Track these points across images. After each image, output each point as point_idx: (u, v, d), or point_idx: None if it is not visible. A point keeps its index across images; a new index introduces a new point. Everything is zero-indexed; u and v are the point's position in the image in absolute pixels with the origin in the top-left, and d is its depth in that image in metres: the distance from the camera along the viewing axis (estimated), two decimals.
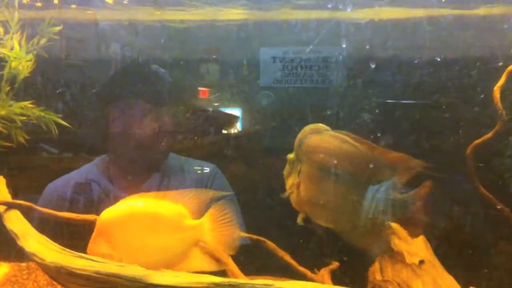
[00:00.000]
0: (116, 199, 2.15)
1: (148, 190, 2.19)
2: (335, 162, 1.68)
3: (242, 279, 1.37)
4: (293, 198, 1.76)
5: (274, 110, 2.68)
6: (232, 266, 1.53)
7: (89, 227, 1.53)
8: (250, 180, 2.53)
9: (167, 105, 2.26)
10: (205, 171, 2.32)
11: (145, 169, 2.23)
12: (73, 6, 2.25)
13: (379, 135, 2.30)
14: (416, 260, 1.61)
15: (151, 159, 2.24)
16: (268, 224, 2.20)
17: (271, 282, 1.31)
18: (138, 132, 2.17)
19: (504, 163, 2.13)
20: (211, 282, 1.31)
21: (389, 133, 2.30)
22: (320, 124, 1.76)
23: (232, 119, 2.63)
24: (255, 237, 1.66)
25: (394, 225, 1.67)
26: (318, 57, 2.51)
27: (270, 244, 1.65)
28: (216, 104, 2.73)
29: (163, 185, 2.21)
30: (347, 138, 1.70)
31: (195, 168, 2.32)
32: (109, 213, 1.52)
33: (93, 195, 2.17)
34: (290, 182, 1.77)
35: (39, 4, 2.11)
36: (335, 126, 2.47)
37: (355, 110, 2.50)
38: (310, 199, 1.72)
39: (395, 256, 1.64)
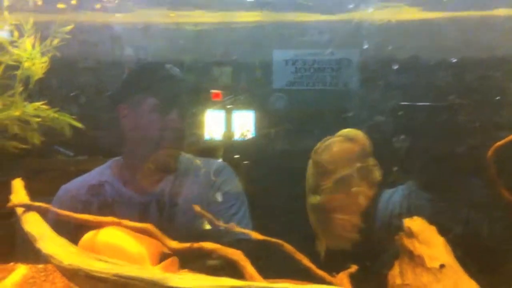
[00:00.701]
0: (129, 201, 2.16)
1: (161, 191, 2.18)
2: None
3: (262, 283, 1.34)
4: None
5: (287, 112, 2.66)
6: (251, 269, 1.50)
7: None
8: (267, 182, 2.50)
9: (179, 105, 2.24)
10: (213, 167, 2.31)
11: (158, 171, 2.22)
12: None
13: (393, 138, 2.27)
14: (436, 264, 1.58)
15: (163, 160, 2.23)
16: (286, 227, 2.17)
17: (291, 285, 1.28)
18: (150, 133, 2.17)
19: None
20: (231, 286, 1.28)
21: (403, 135, 2.27)
22: None
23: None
24: (273, 240, 1.63)
25: (414, 228, 1.64)
26: (331, 59, 2.49)
27: (288, 247, 1.62)
28: (229, 106, 2.71)
29: (175, 186, 2.20)
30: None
31: (204, 165, 2.30)
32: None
33: (106, 196, 2.16)
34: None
35: (56, 5, 2.11)
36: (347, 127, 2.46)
37: (368, 113, 2.47)
38: None
39: (415, 260, 1.61)
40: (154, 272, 1.32)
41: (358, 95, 2.49)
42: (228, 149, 2.61)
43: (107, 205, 2.14)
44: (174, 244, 1.55)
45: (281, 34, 2.63)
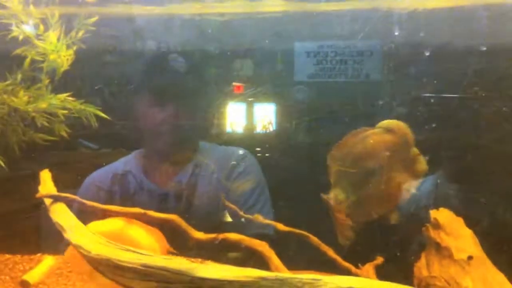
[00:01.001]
0: (149, 192, 2.16)
1: (179, 182, 2.18)
2: None
3: (289, 273, 1.33)
4: None
5: (308, 104, 2.63)
6: (276, 260, 1.50)
7: None
8: (289, 175, 2.48)
9: (194, 96, 2.23)
10: (234, 156, 2.30)
11: (176, 161, 2.22)
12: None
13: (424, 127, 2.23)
14: (464, 256, 1.55)
15: (181, 151, 2.23)
16: (311, 219, 2.16)
17: (319, 276, 1.27)
18: (150, 127, 2.16)
19: None
20: (258, 276, 1.27)
21: (425, 128, 2.23)
22: None
23: None
24: (298, 231, 1.62)
25: (441, 220, 1.61)
26: (353, 51, 2.46)
27: (314, 238, 1.61)
28: (250, 99, 2.70)
29: (193, 176, 2.20)
30: None
31: (225, 154, 2.30)
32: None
33: (129, 187, 2.17)
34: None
35: None
36: (369, 120, 2.43)
37: (390, 105, 2.43)
38: None
39: (442, 252, 1.58)
40: (180, 262, 1.32)
41: (380, 87, 2.45)
42: (249, 141, 2.60)
43: (129, 195, 2.15)
44: (200, 235, 1.55)
45: (306, 25, 2.60)
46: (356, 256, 1.70)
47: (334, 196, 1.78)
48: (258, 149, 2.56)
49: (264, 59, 2.66)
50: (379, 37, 2.36)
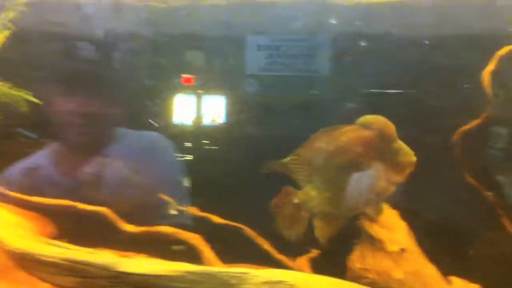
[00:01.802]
0: (58, 185, 2.06)
1: (86, 173, 2.08)
2: None
3: (218, 267, 1.28)
4: None
5: (258, 98, 2.59)
6: (209, 254, 1.45)
7: None
8: (237, 167, 2.43)
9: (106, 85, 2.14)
10: (147, 139, 2.22)
11: (87, 152, 2.13)
12: None
13: None
14: (397, 248, 1.54)
15: (92, 141, 2.14)
16: (255, 213, 2.12)
17: (247, 270, 1.23)
18: (75, 114, 2.06)
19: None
20: (186, 271, 1.22)
21: None
22: None
23: None
24: (233, 223, 1.57)
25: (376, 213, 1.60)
26: (304, 46, 2.43)
27: (249, 231, 1.57)
28: (200, 91, 2.63)
29: (103, 165, 2.11)
30: None
31: (138, 138, 2.22)
32: None
33: (39, 180, 2.07)
34: None
35: None
36: (319, 114, 2.41)
37: (339, 99, 2.41)
38: None
39: (376, 244, 1.57)
40: (106, 256, 1.25)
41: (331, 81, 2.43)
42: (198, 134, 2.54)
43: (38, 188, 2.04)
44: (131, 228, 1.48)
45: (254, 18, 2.55)
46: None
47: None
48: (206, 141, 2.50)
49: (215, 51, 2.60)
50: (329, 32, 2.33)
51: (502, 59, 1.70)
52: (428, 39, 2.14)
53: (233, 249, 1.60)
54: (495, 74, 1.69)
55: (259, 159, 2.35)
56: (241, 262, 1.49)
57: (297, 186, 1.81)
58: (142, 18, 2.50)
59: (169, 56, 2.55)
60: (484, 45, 1.89)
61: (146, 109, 2.52)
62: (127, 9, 2.45)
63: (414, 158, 1.63)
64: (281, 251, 1.59)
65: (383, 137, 1.70)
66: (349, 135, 1.73)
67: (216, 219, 1.58)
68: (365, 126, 1.71)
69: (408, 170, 1.66)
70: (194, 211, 1.58)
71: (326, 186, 1.73)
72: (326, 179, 1.74)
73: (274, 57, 2.49)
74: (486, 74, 1.70)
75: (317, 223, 1.74)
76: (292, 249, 1.62)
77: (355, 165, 1.72)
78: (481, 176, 1.73)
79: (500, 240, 1.76)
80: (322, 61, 2.41)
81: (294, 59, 2.45)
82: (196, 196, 2.30)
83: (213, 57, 2.59)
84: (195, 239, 1.46)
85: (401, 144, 1.70)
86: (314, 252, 1.60)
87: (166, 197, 1.61)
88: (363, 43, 2.25)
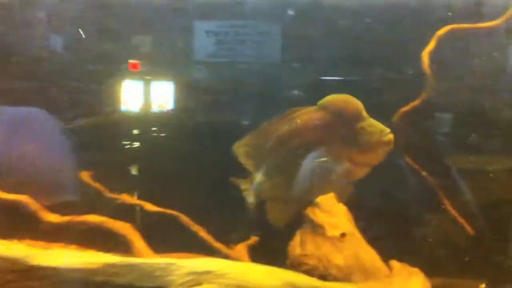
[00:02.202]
0: None
1: None
2: None
3: (141, 258, 1.16)
4: None
5: (207, 84, 2.48)
6: (139, 244, 1.32)
7: None
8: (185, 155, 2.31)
9: None
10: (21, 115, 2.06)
11: None
12: None
13: None
14: (337, 233, 1.46)
15: None
16: (194, 199, 2.00)
17: (173, 260, 1.11)
18: None
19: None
20: (106, 263, 1.10)
21: None
22: None
23: None
24: (168, 211, 1.45)
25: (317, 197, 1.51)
26: (252, 32, 2.33)
27: (184, 218, 1.45)
28: (147, 77, 2.50)
29: None
30: None
31: (12, 114, 2.05)
32: None
33: None
34: None
35: None
36: (267, 102, 2.31)
37: (288, 87, 2.32)
38: None
39: (316, 229, 1.48)
40: (17, 249, 1.11)
41: (279, 68, 2.34)
42: (146, 121, 2.41)
43: None
44: (53, 218, 1.33)
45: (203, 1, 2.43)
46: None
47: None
48: (154, 128, 2.38)
49: (162, 36, 2.47)
50: (276, 19, 2.24)
51: (441, 39, 1.63)
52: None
53: (168, 238, 1.48)
54: (433, 54, 1.62)
55: (207, 146, 2.25)
56: (176, 252, 1.37)
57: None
58: (88, 1, 2.35)
59: (115, 41, 2.42)
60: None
61: (92, 95, 2.39)
62: None
63: (387, 137, 1.51)
64: (219, 238, 1.47)
65: (341, 117, 1.58)
66: (303, 117, 1.63)
67: (151, 207, 1.44)
68: (321, 107, 1.60)
69: (382, 150, 1.54)
70: (128, 198, 1.44)
71: (278, 171, 1.63)
72: (278, 164, 1.63)
73: (223, 43, 2.38)
74: (425, 55, 1.62)
75: (271, 208, 1.65)
76: (231, 237, 1.51)
77: (309, 148, 1.62)
78: (421, 158, 1.66)
79: (442, 223, 1.71)
80: (271, 47, 2.32)
81: (243, 45, 2.35)
82: (140, 183, 2.19)
83: (161, 42, 2.48)
84: (125, 228, 1.33)
85: (369, 123, 1.57)
86: (252, 239, 1.49)
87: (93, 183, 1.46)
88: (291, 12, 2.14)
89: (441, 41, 1.62)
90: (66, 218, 1.32)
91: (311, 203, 1.54)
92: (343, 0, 2.12)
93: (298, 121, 1.65)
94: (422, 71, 1.65)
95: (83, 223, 1.32)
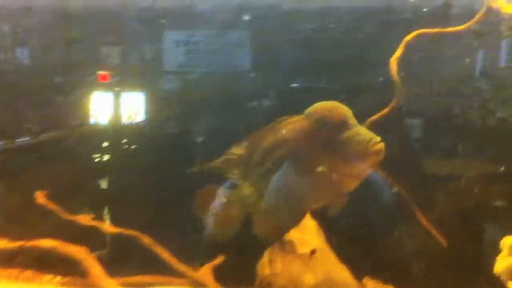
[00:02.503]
0: None
1: None
2: None
3: None
4: None
5: (177, 95, 2.40)
6: (95, 269, 1.21)
7: None
8: (152, 167, 2.21)
9: None
10: None
11: None
12: None
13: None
14: (308, 249, 1.37)
15: None
16: (160, 216, 1.89)
17: None
18: None
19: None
20: None
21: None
22: None
23: None
24: (127, 232, 1.34)
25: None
26: (223, 42, 2.27)
27: (146, 239, 1.34)
28: (117, 88, 2.40)
29: None
30: None
31: None
32: None
33: None
34: None
35: None
36: (238, 111, 2.23)
37: (258, 96, 2.25)
38: None
39: (286, 247, 1.39)
40: None
41: (249, 77, 2.26)
42: (116, 133, 2.31)
43: None
44: (3, 244, 1.21)
45: (172, 13, 2.36)
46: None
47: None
48: (124, 140, 2.29)
49: (132, 47, 2.39)
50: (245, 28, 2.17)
51: (409, 44, 1.56)
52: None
53: (129, 260, 1.37)
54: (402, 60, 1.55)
55: (179, 158, 2.16)
56: (136, 275, 1.26)
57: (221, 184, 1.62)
58: (55, 13, 2.24)
59: (84, 52, 2.33)
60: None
61: (59, 108, 2.30)
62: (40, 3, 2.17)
63: (375, 147, 1.39)
64: (183, 260, 1.37)
65: (326, 126, 1.46)
66: (289, 127, 1.52)
67: (109, 228, 1.33)
68: (309, 115, 1.49)
69: (372, 160, 1.42)
70: (85, 219, 1.32)
71: (265, 182, 1.53)
72: (264, 175, 1.53)
73: (193, 53, 2.31)
74: (394, 61, 1.55)
75: (257, 220, 1.54)
76: (196, 258, 1.41)
77: (293, 159, 1.51)
78: (391, 168, 1.58)
79: (414, 236, 1.63)
80: (241, 57, 2.26)
81: (214, 55, 2.29)
82: (104, 200, 2.08)
83: (130, 53, 2.40)
84: (80, 252, 1.21)
85: (356, 131, 1.45)
86: (218, 259, 1.39)
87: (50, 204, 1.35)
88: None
89: (409, 47, 1.55)
90: (17, 244, 1.20)
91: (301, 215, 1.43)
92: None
93: (284, 131, 1.55)
94: (390, 77, 1.57)
95: (36, 248, 1.20)
